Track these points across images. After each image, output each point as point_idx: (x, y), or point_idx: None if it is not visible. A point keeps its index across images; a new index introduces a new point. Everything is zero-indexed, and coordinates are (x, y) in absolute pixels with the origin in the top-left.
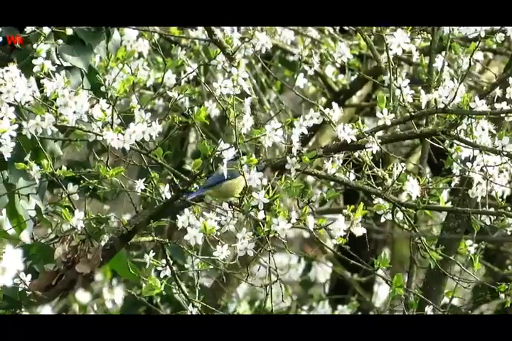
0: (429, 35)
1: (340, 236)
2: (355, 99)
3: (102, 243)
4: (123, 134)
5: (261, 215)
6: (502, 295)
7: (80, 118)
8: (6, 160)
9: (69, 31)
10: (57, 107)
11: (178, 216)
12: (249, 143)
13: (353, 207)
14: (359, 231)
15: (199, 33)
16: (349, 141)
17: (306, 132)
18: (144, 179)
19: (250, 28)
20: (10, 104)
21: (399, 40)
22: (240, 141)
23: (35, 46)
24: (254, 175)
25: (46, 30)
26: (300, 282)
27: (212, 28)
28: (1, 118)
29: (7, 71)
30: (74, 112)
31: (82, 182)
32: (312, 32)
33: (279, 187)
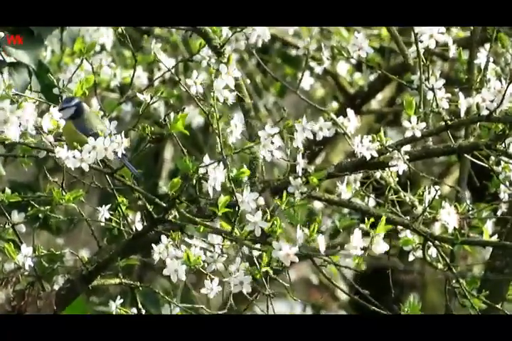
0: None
1: (357, 256)
2: (374, 104)
3: (56, 286)
4: (80, 151)
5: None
6: None
7: (25, 130)
8: None
9: None
10: None
11: (153, 245)
12: (242, 158)
13: (372, 220)
14: (380, 248)
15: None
16: (368, 158)
17: (311, 137)
18: (108, 205)
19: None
20: None
21: (432, 29)
22: (227, 152)
23: None
24: (247, 197)
25: None
26: None
27: None
28: None
29: None
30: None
31: (29, 209)
32: None
33: (279, 210)
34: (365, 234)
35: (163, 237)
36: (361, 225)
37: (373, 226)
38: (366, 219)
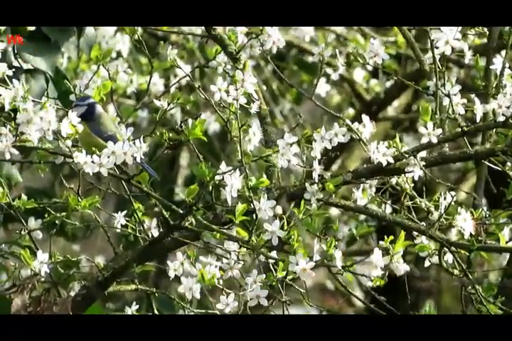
0: (486, 30)
1: (378, 277)
2: (390, 111)
3: (72, 293)
4: (98, 156)
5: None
6: None
7: (43, 135)
8: None
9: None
10: (16, 124)
11: (168, 262)
12: (258, 164)
13: (392, 237)
14: (401, 268)
15: (193, 26)
16: (384, 164)
17: (329, 147)
18: (124, 212)
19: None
20: None
21: (447, 35)
22: (245, 160)
23: None
24: (264, 204)
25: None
26: None
27: None
28: None
29: None
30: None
31: (46, 215)
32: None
33: (296, 219)
34: (381, 237)
35: (179, 254)
36: (381, 242)
37: (389, 232)
38: (386, 236)
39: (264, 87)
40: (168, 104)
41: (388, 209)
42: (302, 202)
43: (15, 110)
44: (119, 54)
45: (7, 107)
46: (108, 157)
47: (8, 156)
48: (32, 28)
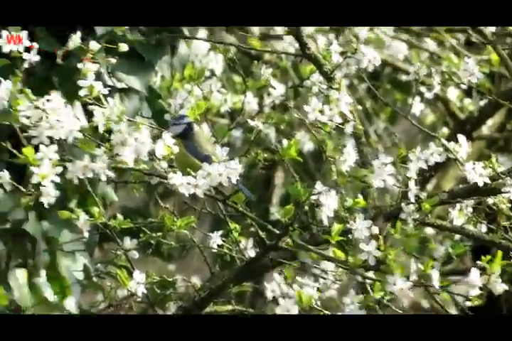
0: None
1: (475, 296)
2: (485, 130)
3: (169, 313)
4: (194, 177)
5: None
6: None
7: (138, 156)
8: (46, 207)
9: (124, 46)
10: (111, 145)
11: (265, 283)
12: (354, 184)
13: (489, 257)
14: (499, 288)
15: (286, 45)
16: (480, 184)
17: (425, 167)
18: (220, 231)
19: (353, 39)
20: (51, 141)
21: None
22: (340, 180)
23: (80, 66)
24: (360, 224)
25: (95, 45)
26: None
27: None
28: (41, 160)
29: (48, 101)
30: None
31: (141, 235)
32: (430, 44)
33: (392, 238)
34: (477, 257)
35: (276, 274)
36: (478, 262)
37: (486, 252)
38: (483, 256)
39: (359, 106)
40: (263, 124)
41: (484, 229)
42: (398, 222)
43: (109, 131)
44: (212, 73)
45: (101, 128)
46: (204, 178)
47: (103, 178)
48: (126, 48)
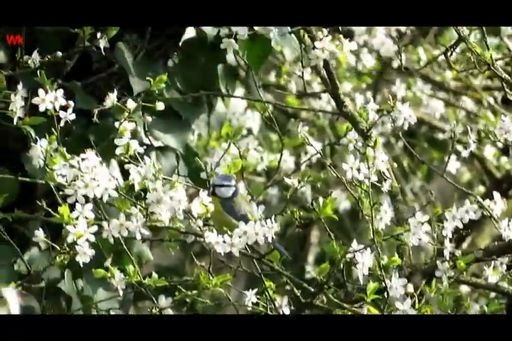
0: None
1: None
2: None
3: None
4: (230, 236)
5: None
6: None
7: (173, 215)
8: (81, 265)
9: (160, 105)
10: (147, 204)
11: None
12: (389, 242)
13: None
14: None
15: (323, 103)
16: None
17: (460, 226)
18: (255, 289)
19: (389, 97)
20: (86, 200)
21: None
22: (376, 238)
23: (117, 125)
24: (396, 283)
25: (131, 104)
26: None
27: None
28: (76, 218)
29: (84, 159)
30: None
31: (176, 293)
32: (467, 103)
33: (428, 296)
34: None
35: None
36: None
37: None
38: None
39: (395, 164)
40: (299, 183)
41: None
42: (433, 279)
43: (145, 189)
44: (249, 131)
45: (137, 187)
46: (240, 237)
47: (139, 236)
48: (162, 107)
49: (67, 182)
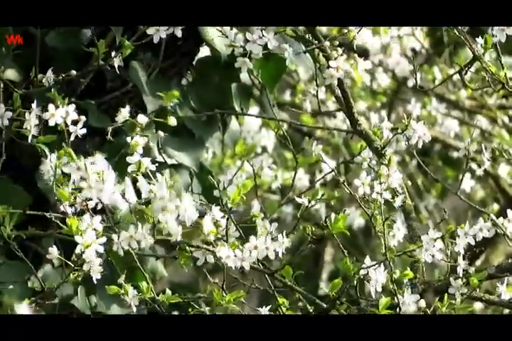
0: None
1: None
2: None
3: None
4: (241, 251)
5: None
6: None
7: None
8: (95, 282)
9: (173, 120)
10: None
11: None
12: (402, 259)
13: None
14: None
15: (338, 121)
16: None
17: (472, 242)
18: (269, 306)
19: (404, 115)
20: (94, 210)
21: None
22: (389, 255)
23: (129, 140)
24: (408, 298)
25: (143, 118)
26: None
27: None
28: (85, 230)
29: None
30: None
31: (190, 310)
32: (481, 122)
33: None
34: None
35: None
36: None
37: None
38: None
39: (409, 182)
40: (309, 202)
41: None
42: (446, 296)
43: None
44: (263, 149)
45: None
46: (250, 251)
47: (144, 244)
48: (175, 122)
49: (74, 184)
